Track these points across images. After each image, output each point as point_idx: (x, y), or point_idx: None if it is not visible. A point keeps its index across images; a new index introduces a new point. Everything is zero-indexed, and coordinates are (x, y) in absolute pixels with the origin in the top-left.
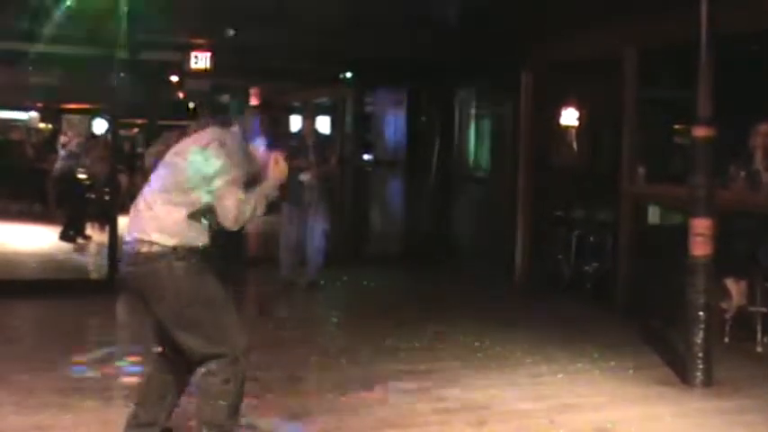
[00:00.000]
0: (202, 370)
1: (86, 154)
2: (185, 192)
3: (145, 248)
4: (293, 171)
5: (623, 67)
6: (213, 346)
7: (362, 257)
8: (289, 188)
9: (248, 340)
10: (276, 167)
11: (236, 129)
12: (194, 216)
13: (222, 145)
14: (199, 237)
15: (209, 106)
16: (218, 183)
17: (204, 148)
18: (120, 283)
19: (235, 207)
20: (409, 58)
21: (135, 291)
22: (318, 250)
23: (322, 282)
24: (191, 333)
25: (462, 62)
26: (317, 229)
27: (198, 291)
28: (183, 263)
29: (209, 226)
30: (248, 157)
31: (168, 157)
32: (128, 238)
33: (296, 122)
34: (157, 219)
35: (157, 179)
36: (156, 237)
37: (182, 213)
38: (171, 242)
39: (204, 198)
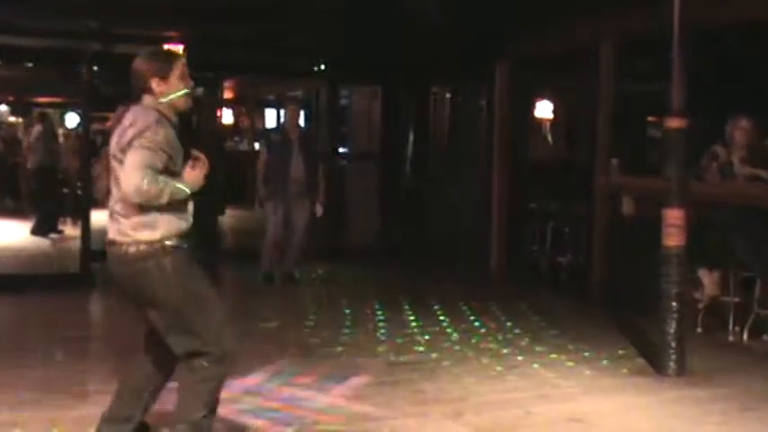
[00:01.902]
0: (184, 366)
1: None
2: None
3: (132, 249)
4: (278, 166)
5: (599, 59)
6: (201, 344)
7: (338, 251)
8: (274, 182)
9: (235, 346)
10: (192, 172)
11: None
12: (168, 205)
13: (159, 123)
14: (181, 219)
15: None
16: (134, 145)
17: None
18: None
19: (140, 175)
20: (384, 52)
21: (124, 291)
22: (298, 244)
23: (297, 275)
24: (180, 329)
25: (437, 55)
26: (300, 223)
27: (188, 286)
28: (170, 258)
29: (183, 202)
30: (176, 148)
31: (117, 154)
32: (114, 238)
33: (270, 116)
34: (138, 220)
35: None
36: (141, 235)
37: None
38: (157, 235)
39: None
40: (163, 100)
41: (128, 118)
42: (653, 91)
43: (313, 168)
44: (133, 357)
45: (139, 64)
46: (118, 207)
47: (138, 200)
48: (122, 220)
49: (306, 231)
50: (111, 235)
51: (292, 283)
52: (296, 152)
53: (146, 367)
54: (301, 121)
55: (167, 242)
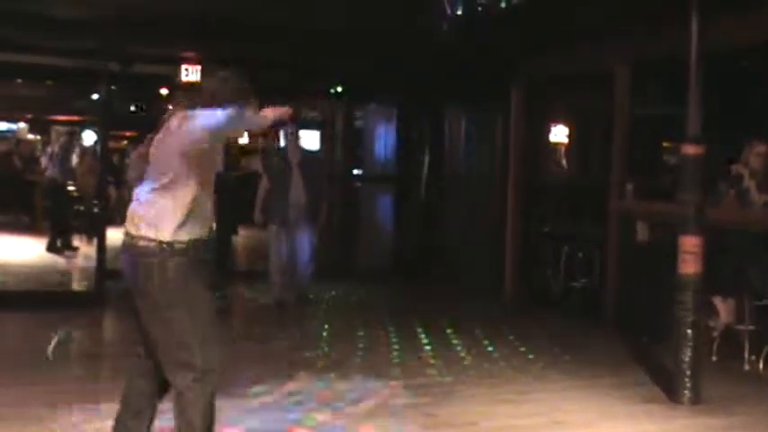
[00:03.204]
0: (174, 395)
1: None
2: (177, 179)
3: (142, 243)
4: (278, 190)
5: (614, 83)
6: (182, 354)
7: (352, 272)
8: (275, 207)
9: (221, 358)
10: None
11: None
12: (188, 210)
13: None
14: (194, 230)
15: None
16: (195, 126)
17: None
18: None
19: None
20: (400, 73)
21: (129, 287)
22: (306, 264)
23: (311, 296)
24: (165, 335)
25: (453, 77)
26: (304, 243)
27: (183, 293)
28: (174, 261)
29: (205, 218)
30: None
31: (153, 149)
32: (128, 230)
33: (284, 137)
34: (153, 215)
35: (149, 172)
36: (151, 233)
37: (173, 204)
38: (166, 237)
39: (194, 187)
40: None
41: (173, 122)
42: (668, 115)
43: (314, 194)
44: (130, 376)
45: (218, 86)
46: (143, 197)
47: (217, 127)
48: (140, 212)
49: (311, 255)
50: (128, 223)
51: (306, 304)
52: (295, 177)
53: (140, 382)
54: (314, 145)
55: (176, 245)
